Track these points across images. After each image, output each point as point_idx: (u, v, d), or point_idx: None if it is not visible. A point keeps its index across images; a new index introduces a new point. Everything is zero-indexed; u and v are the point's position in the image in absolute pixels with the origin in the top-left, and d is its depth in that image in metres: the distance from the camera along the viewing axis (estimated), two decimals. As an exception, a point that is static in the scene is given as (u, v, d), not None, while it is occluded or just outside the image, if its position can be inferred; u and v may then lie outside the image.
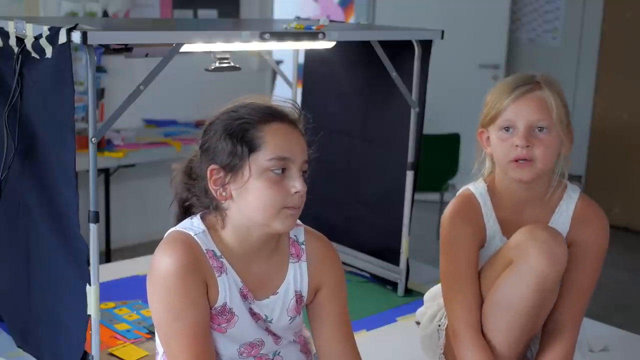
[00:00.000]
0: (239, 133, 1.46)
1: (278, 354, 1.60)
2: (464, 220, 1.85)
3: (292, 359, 1.63)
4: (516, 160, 1.76)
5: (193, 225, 1.52)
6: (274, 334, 1.59)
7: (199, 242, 1.49)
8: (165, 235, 1.53)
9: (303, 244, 1.60)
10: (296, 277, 1.58)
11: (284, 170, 1.44)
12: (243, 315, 1.53)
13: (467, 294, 1.82)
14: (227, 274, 1.51)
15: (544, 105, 1.75)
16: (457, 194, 1.93)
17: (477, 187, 1.90)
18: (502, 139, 1.78)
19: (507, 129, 1.77)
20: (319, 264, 1.60)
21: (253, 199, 1.45)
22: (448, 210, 1.88)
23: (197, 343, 1.45)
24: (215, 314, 1.51)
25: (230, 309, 1.51)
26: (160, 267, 1.46)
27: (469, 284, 1.83)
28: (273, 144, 1.44)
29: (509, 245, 1.79)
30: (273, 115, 1.48)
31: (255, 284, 1.54)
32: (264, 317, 1.56)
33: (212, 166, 1.48)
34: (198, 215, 1.54)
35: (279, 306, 1.57)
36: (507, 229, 1.85)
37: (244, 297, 1.53)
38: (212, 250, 1.50)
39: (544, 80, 1.78)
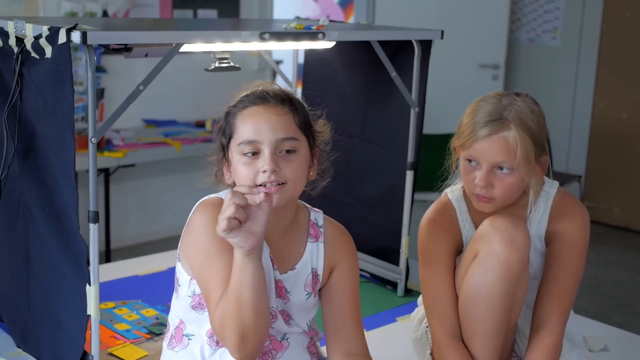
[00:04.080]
0: (223, 125, 1.61)
1: (286, 339, 1.65)
2: (439, 228, 1.88)
3: (299, 347, 1.67)
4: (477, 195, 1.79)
5: (224, 194, 1.62)
6: (287, 315, 1.64)
7: None
8: (200, 201, 1.62)
9: (322, 227, 1.70)
10: (313, 256, 1.67)
11: (257, 152, 1.53)
12: (270, 277, 1.59)
13: (444, 301, 1.84)
14: None
15: (508, 148, 1.74)
16: (437, 199, 1.95)
17: (453, 192, 1.93)
18: (466, 170, 1.81)
19: (470, 161, 1.79)
20: (335, 247, 1.69)
21: (236, 179, 1.57)
22: (424, 218, 1.92)
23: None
24: None
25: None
26: (198, 222, 1.57)
27: (446, 291, 1.84)
28: (241, 129, 1.55)
29: (473, 239, 1.82)
30: (249, 100, 1.58)
31: (276, 258, 1.62)
32: (285, 287, 1.63)
33: (218, 154, 1.63)
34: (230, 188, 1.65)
35: (297, 280, 1.65)
36: None
37: (272, 262, 1.61)
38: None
39: (516, 117, 1.75)
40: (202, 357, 1.60)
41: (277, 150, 1.52)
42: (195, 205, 1.62)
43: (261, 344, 1.51)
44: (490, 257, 1.73)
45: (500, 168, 1.76)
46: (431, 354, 1.96)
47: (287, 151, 1.54)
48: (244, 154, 1.53)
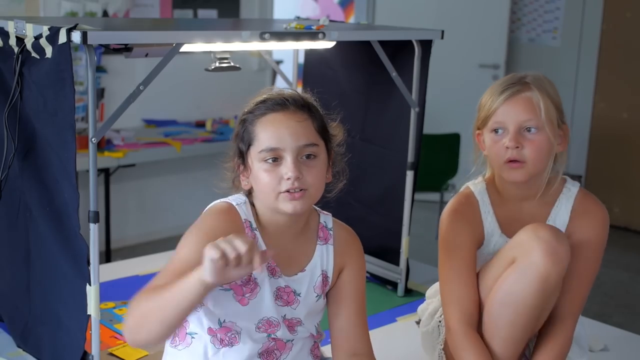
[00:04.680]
0: (240, 132, 1.60)
1: (291, 341, 1.66)
2: (461, 218, 1.88)
3: (303, 350, 1.68)
4: (509, 162, 1.79)
5: (237, 197, 1.64)
6: (294, 322, 1.64)
7: (239, 211, 1.60)
8: (209, 205, 1.63)
9: (331, 229, 1.71)
10: (323, 258, 1.68)
11: (278, 158, 1.54)
12: (265, 287, 1.60)
13: (463, 291, 1.84)
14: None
15: (532, 106, 1.78)
16: (458, 192, 1.95)
17: (476, 185, 1.93)
18: (494, 141, 1.82)
19: (497, 130, 1.81)
20: (344, 249, 1.71)
21: (257, 186, 1.58)
22: (447, 208, 1.92)
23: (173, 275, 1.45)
24: (241, 284, 1.57)
25: (254, 278, 1.59)
26: (199, 223, 1.57)
27: (465, 281, 1.84)
28: (262, 136, 1.55)
29: (511, 244, 1.80)
30: (268, 107, 1.57)
31: (284, 261, 1.63)
32: (293, 290, 1.64)
33: (236, 160, 1.62)
34: (242, 192, 1.66)
35: (306, 282, 1.66)
36: (506, 226, 1.88)
37: (272, 272, 1.61)
38: (250, 221, 1.60)
39: (534, 80, 1.81)
40: (205, 356, 1.60)
41: (298, 156, 1.54)
42: (206, 209, 1.63)
43: (148, 346, 1.52)
44: (529, 267, 1.72)
45: (528, 130, 1.78)
46: (443, 349, 1.96)
47: (308, 156, 1.55)
48: (265, 161, 1.54)
